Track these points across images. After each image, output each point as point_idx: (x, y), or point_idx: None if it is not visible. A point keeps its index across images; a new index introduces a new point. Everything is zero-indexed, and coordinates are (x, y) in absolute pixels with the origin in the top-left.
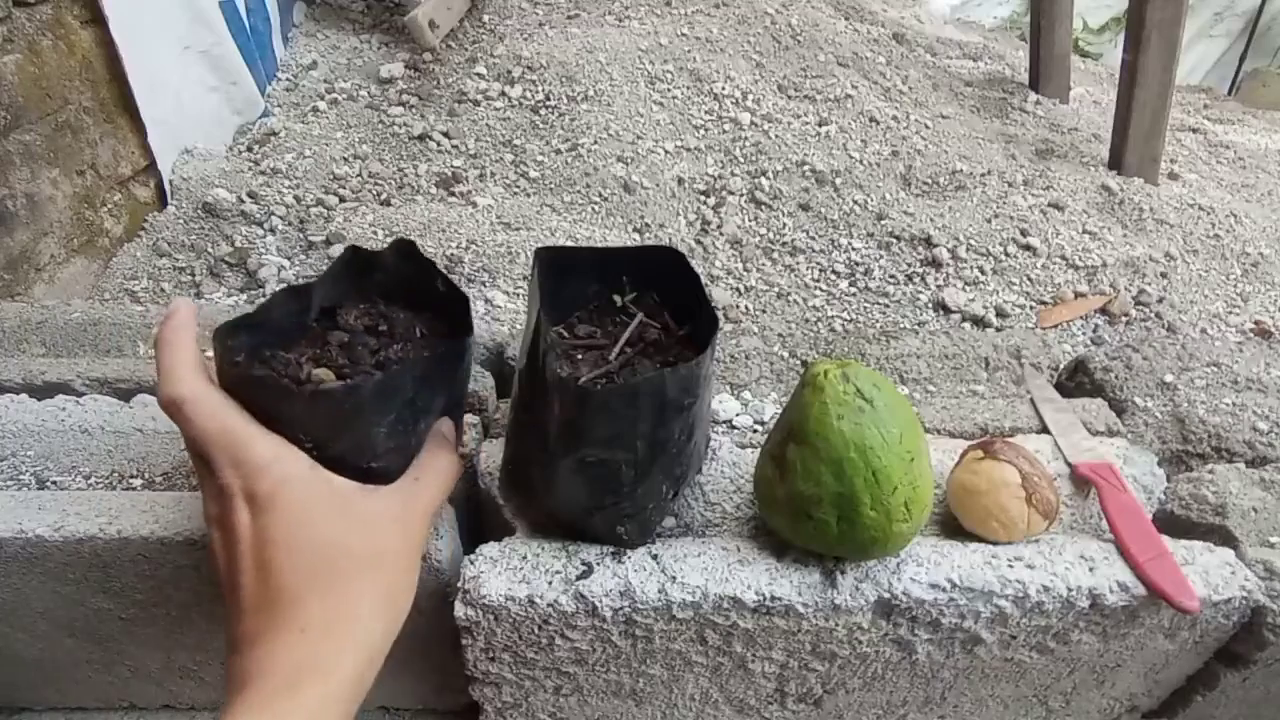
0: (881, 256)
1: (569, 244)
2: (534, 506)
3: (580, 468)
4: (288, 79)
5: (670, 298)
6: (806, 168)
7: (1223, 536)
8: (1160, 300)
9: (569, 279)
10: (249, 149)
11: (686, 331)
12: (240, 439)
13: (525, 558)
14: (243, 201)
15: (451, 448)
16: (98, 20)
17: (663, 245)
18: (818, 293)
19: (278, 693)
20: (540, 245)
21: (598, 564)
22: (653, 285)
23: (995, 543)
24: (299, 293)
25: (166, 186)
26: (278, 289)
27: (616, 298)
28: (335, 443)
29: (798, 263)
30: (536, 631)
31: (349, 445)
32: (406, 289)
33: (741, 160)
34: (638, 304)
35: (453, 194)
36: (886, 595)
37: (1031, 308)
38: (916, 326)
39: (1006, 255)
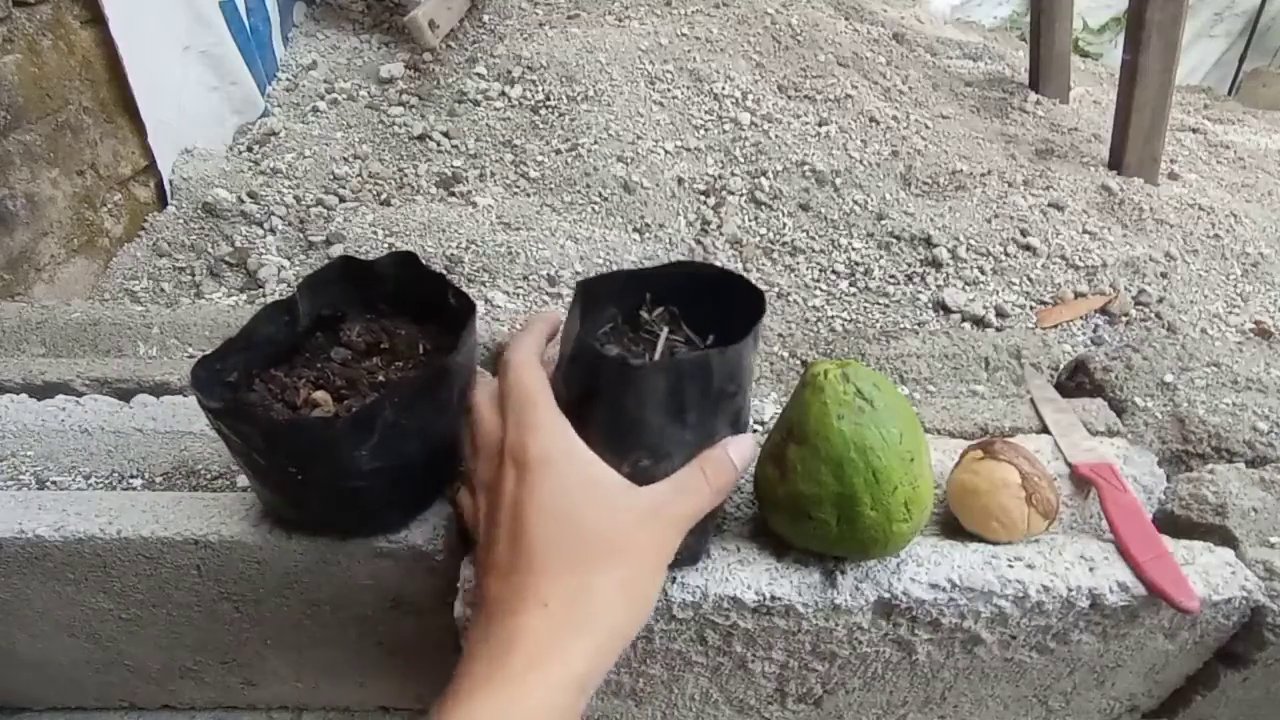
0: (881, 256)
1: (571, 245)
2: None
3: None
4: (288, 79)
5: (690, 312)
6: (806, 168)
7: (1223, 536)
8: (1160, 300)
9: (599, 303)
10: (249, 149)
11: (710, 344)
12: (531, 402)
13: None
14: (243, 201)
15: (726, 469)
16: (98, 20)
17: (697, 261)
18: (818, 293)
19: (518, 672)
20: (581, 278)
21: None
22: (670, 300)
23: (995, 543)
24: (284, 306)
25: (166, 186)
26: (262, 307)
27: (643, 313)
28: (315, 467)
29: (798, 263)
30: None
31: (329, 469)
32: (412, 300)
33: (741, 160)
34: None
35: (453, 194)
36: (886, 595)
37: (1031, 308)
38: (916, 326)
39: (1006, 255)
